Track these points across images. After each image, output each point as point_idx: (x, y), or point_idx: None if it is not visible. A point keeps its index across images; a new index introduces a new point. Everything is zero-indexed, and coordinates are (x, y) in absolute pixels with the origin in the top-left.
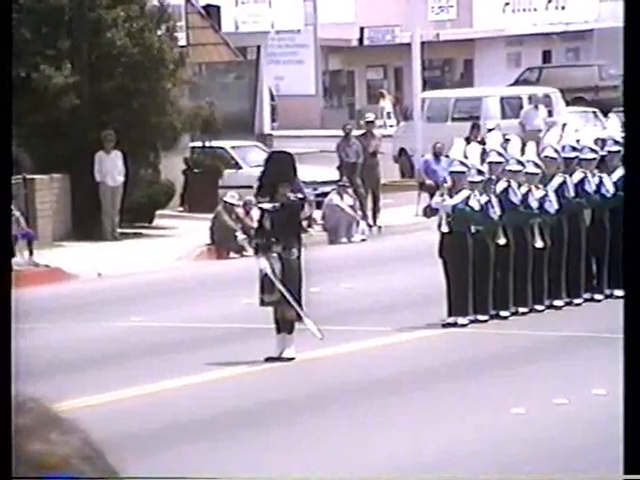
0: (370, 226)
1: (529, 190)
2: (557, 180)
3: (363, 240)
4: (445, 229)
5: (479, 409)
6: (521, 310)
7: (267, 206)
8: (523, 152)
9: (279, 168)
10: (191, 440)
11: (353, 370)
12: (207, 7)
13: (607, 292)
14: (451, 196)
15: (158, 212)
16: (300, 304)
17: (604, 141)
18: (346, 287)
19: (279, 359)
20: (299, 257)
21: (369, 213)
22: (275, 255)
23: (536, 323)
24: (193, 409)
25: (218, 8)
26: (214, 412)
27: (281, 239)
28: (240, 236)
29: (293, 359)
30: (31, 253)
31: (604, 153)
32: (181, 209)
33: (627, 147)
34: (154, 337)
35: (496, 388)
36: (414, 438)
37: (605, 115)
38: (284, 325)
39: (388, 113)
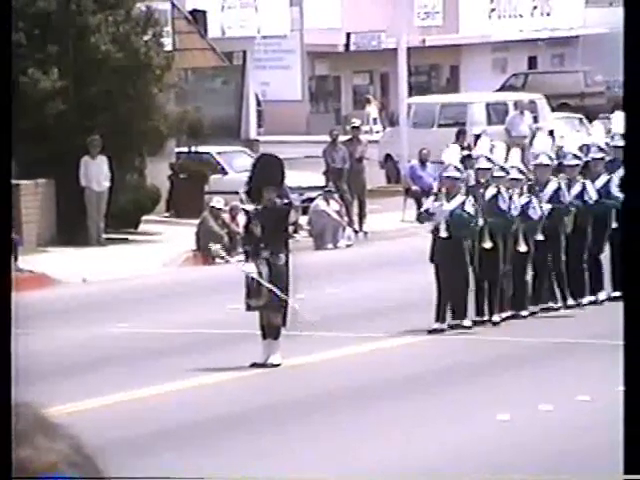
0: (356, 232)
1: (511, 196)
2: (551, 186)
3: (349, 246)
4: (444, 234)
5: (465, 415)
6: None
7: (249, 207)
8: (507, 158)
9: (266, 172)
10: (176, 446)
11: (339, 376)
12: (193, 12)
13: (592, 298)
14: (445, 201)
15: (144, 217)
16: (286, 309)
17: (588, 148)
18: (332, 293)
19: (265, 365)
20: (287, 262)
21: (355, 219)
22: (263, 260)
23: (521, 329)
24: (178, 415)
25: (204, 13)
26: (199, 418)
27: (269, 244)
28: (214, 246)
29: (279, 365)
30: (15, 259)
31: (588, 159)
32: (167, 214)
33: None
34: (139, 343)
35: (482, 394)
36: (400, 444)
37: (590, 121)
38: (270, 331)
39: (374, 119)
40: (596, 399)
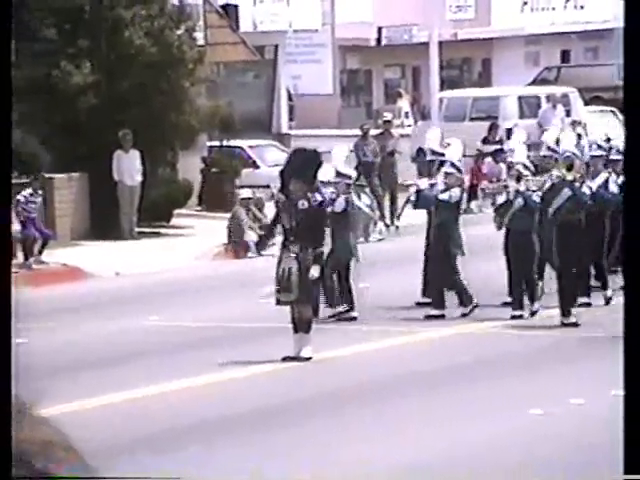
0: (387, 226)
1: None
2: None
3: (380, 240)
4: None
5: (495, 410)
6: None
7: (279, 201)
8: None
9: (295, 165)
10: (206, 439)
11: (370, 369)
12: (225, 6)
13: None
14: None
15: (176, 211)
16: (318, 304)
17: (590, 145)
18: (363, 286)
19: (296, 359)
20: (317, 257)
21: (387, 213)
22: (292, 255)
23: (552, 323)
24: (209, 408)
25: (236, 7)
26: (231, 411)
27: (298, 239)
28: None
29: (310, 359)
30: (40, 252)
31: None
32: (199, 208)
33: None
34: (172, 336)
35: (514, 388)
36: (432, 438)
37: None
38: (301, 325)
39: (406, 113)
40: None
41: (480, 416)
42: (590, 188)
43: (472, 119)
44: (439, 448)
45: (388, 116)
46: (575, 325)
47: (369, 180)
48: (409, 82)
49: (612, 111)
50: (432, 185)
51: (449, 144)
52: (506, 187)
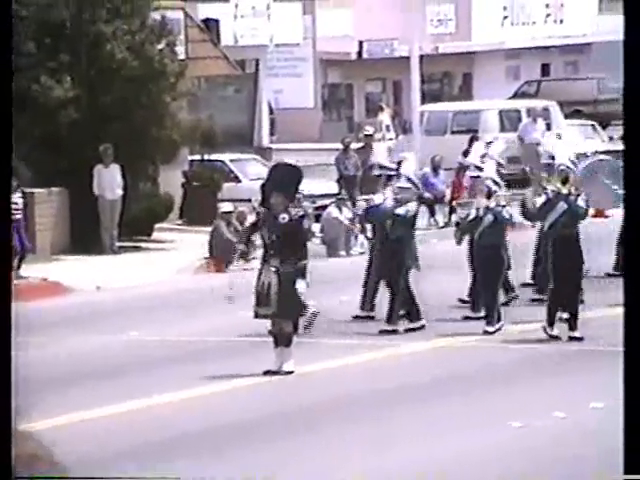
0: (369, 239)
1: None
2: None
3: (362, 253)
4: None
5: (478, 423)
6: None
7: (257, 216)
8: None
9: (276, 179)
10: (188, 454)
11: (351, 383)
12: (206, 21)
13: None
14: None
15: (157, 225)
16: (298, 318)
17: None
18: (344, 300)
19: (278, 372)
20: (297, 271)
21: (368, 226)
22: (272, 268)
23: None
24: (191, 423)
25: (217, 22)
26: (212, 425)
27: (278, 253)
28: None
29: (292, 372)
30: (18, 267)
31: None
32: (180, 222)
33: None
34: (153, 351)
35: (496, 401)
36: (412, 452)
37: (604, 128)
38: (281, 339)
39: (387, 126)
40: (609, 406)
41: (457, 430)
42: (586, 201)
43: (453, 132)
44: (419, 463)
45: (369, 130)
46: (579, 340)
47: (350, 193)
48: (390, 96)
49: (592, 125)
50: (386, 200)
51: (403, 159)
52: (472, 203)
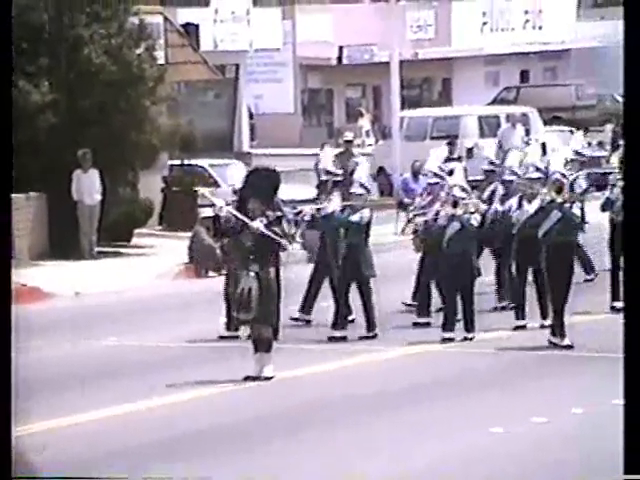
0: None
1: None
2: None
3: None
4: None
5: (459, 428)
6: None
7: (225, 212)
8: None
9: (254, 184)
10: (166, 460)
11: (332, 389)
12: (186, 26)
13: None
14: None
15: (136, 231)
16: (277, 323)
17: (527, 167)
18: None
19: (257, 378)
20: (277, 276)
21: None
22: (252, 273)
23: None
24: (169, 429)
25: (197, 27)
26: (189, 431)
27: (258, 258)
28: (203, 190)
29: (271, 378)
30: None
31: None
32: (160, 227)
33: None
34: (132, 357)
35: (476, 407)
36: (393, 458)
37: (584, 133)
38: (261, 344)
39: (367, 132)
40: (589, 411)
41: (437, 436)
42: (581, 209)
43: (433, 138)
44: (400, 469)
45: (349, 135)
46: (569, 347)
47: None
48: (370, 101)
49: (570, 131)
50: (336, 206)
51: (357, 164)
52: (429, 211)
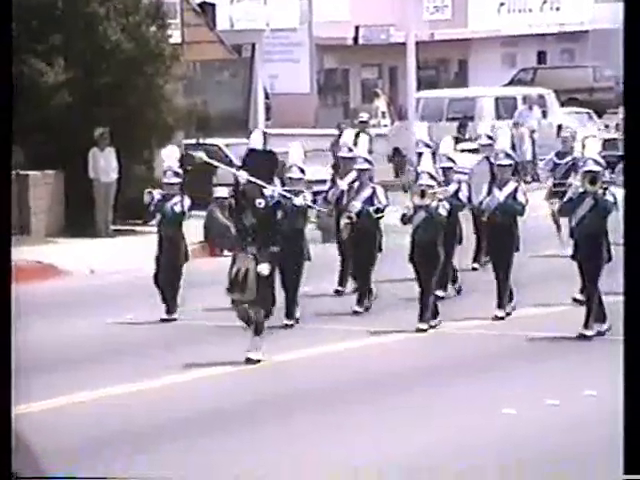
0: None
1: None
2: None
3: None
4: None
5: (471, 409)
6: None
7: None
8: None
9: (251, 165)
10: (170, 440)
11: (343, 369)
12: (202, 4)
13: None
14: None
15: None
16: (272, 305)
17: (496, 155)
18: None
19: (249, 361)
20: (275, 257)
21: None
22: (249, 255)
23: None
24: (178, 407)
25: (213, 6)
26: (192, 411)
27: (256, 239)
28: (197, 153)
29: (257, 362)
30: None
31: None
32: None
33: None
34: (147, 334)
35: (486, 389)
36: (399, 439)
37: (599, 116)
38: (253, 326)
39: (382, 112)
40: (603, 394)
41: (458, 414)
42: (613, 196)
43: (449, 119)
44: (410, 452)
45: (364, 116)
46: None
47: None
48: (386, 82)
49: (588, 113)
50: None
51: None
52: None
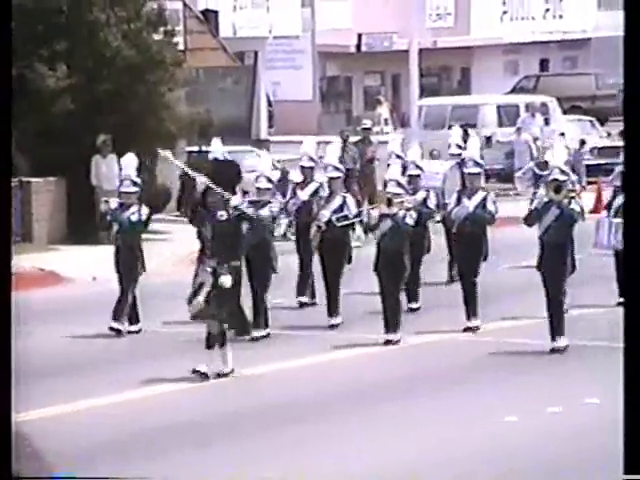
0: (366, 232)
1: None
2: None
3: (358, 246)
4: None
5: (470, 417)
6: None
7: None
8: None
9: (214, 176)
10: (153, 451)
11: (327, 380)
12: (205, 12)
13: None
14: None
15: (154, 216)
16: (243, 321)
17: (465, 162)
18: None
19: (218, 375)
20: (237, 272)
21: (365, 219)
22: (208, 268)
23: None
24: (177, 414)
25: (216, 13)
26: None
27: (216, 253)
28: (164, 152)
29: (228, 374)
30: None
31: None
32: (177, 214)
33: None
34: (148, 342)
35: (488, 396)
36: (394, 446)
37: (602, 124)
38: (212, 339)
39: (385, 120)
40: (605, 402)
41: (453, 422)
42: (579, 205)
43: (451, 127)
44: (404, 460)
45: (367, 123)
46: (562, 351)
47: (348, 187)
48: (389, 89)
49: (590, 120)
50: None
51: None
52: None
